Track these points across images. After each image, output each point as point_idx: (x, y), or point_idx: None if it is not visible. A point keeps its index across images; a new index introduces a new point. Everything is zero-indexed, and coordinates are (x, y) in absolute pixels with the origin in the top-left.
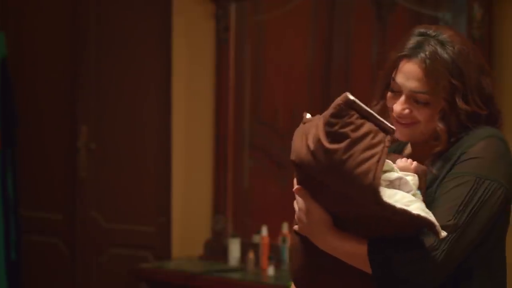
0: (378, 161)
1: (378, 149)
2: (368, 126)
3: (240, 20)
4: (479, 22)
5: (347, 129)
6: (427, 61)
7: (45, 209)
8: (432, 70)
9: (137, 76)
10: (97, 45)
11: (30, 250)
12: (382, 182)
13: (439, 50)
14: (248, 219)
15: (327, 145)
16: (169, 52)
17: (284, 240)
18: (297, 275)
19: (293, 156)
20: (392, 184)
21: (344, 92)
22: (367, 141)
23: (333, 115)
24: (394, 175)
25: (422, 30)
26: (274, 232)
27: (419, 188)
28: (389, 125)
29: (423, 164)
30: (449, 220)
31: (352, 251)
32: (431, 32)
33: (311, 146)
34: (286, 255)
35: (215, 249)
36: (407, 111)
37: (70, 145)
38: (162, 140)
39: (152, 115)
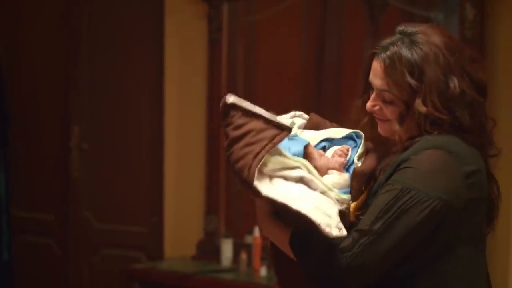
0: (254, 157)
1: (257, 145)
2: (251, 125)
3: (233, 20)
4: (471, 22)
5: (228, 128)
6: (387, 60)
7: (37, 209)
8: (390, 70)
9: (130, 76)
10: (89, 45)
11: (23, 250)
12: (289, 178)
13: (404, 50)
14: (241, 219)
15: (224, 142)
16: (161, 52)
17: None
18: (279, 278)
19: None
20: (302, 180)
21: (336, 92)
22: (246, 139)
23: (222, 116)
24: (296, 173)
25: (402, 28)
26: None
27: (351, 187)
28: (281, 123)
29: (379, 166)
30: (366, 225)
31: (282, 238)
32: (410, 30)
33: None
34: None
35: (208, 249)
36: (377, 107)
37: (62, 145)
38: (154, 140)
39: (145, 115)
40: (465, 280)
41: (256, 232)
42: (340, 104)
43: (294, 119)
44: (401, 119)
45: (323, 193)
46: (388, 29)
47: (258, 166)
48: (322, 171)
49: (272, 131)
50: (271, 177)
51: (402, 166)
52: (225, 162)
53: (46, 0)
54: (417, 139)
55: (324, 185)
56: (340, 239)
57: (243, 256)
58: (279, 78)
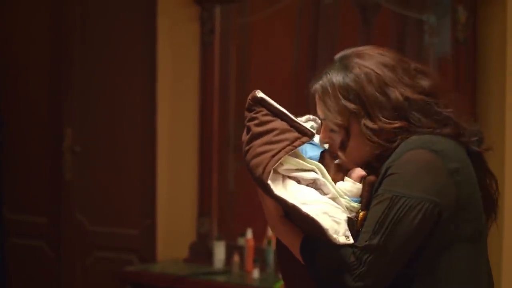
0: (272, 156)
1: (278, 145)
2: (276, 124)
3: (225, 23)
4: (463, 24)
5: (251, 123)
6: (319, 89)
7: (30, 211)
8: (324, 97)
9: (122, 78)
10: (82, 47)
11: (15, 252)
12: (302, 180)
13: (335, 76)
14: (233, 221)
15: (243, 136)
16: (154, 55)
17: (269, 243)
18: (283, 274)
19: None
20: (314, 184)
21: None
22: (268, 137)
23: (246, 109)
24: (310, 175)
25: (341, 54)
26: (259, 235)
27: (362, 196)
28: (307, 128)
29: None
30: (365, 241)
31: (293, 243)
32: (344, 55)
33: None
34: (271, 258)
35: (200, 251)
36: (327, 140)
37: (55, 148)
38: (147, 142)
39: (137, 117)
40: (465, 277)
41: (249, 234)
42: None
43: (308, 123)
44: (342, 144)
45: (334, 198)
46: (381, 31)
47: (274, 166)
48: (336, 179)
49: (294, 134)
50: (284, 178)
51: (388, 173)
52: (242, 155)
53: (38, 1)
54: (397, 143)
55: (336, 190)
56: (346, 249)
57: (236, 258)
58: (272, 80)
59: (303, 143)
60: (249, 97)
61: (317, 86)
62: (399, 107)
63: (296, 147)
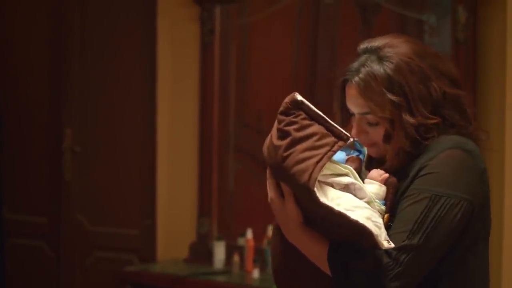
0: (317, 162)
1: (320, 151)
2: (315, 128)
3: (225, 23)
4: (463, 24)
5: (290, 128)
6: (361, 83)
7: (29, 212)
8: (367, 92)
9: (122, 78)
10: (81, 48)
11: (15, 253)
12: (335, 185)
13: (375, 68)
14: (233, 221)
15: (275, 141)
16: (153, 55)
17: (269, 243)
18: (278, 275)
19: (262, 149)
20: (347, 188)
21: (328, 96)
22: (310, 142)
23: (281, 113)
24: (346, 179)
25: (365, 46)
26: (259, 235)
27: (386, 199)
28: (343, 132)
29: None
30: (404, 241)
31: (315, 250)
32: (373, 46)
33: (267, 141)
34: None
35: (200, 251)
36: (362, 134)
37: (54, 148)
38: (146, 142)
39: (137, 117)
40: (486, 273)
41: (249, 234)
42: (333, 107)
43: None
44: (388, 138)
45: (369, 203)
46: (381, 32)
47: (320, 173)
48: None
49: (332, 138)
50: (320, 184)
51: (422, 172)
52: (275, 160)
53: (38, 1)
54: (427, 143)
55: (375, 196)
56: (391, 259)
57: (236, 258)
58: (272, 80)
59: (341, 147)
60: (287, 100)
61: (356, 79)
62: (437, 102)
63: (335, 152)
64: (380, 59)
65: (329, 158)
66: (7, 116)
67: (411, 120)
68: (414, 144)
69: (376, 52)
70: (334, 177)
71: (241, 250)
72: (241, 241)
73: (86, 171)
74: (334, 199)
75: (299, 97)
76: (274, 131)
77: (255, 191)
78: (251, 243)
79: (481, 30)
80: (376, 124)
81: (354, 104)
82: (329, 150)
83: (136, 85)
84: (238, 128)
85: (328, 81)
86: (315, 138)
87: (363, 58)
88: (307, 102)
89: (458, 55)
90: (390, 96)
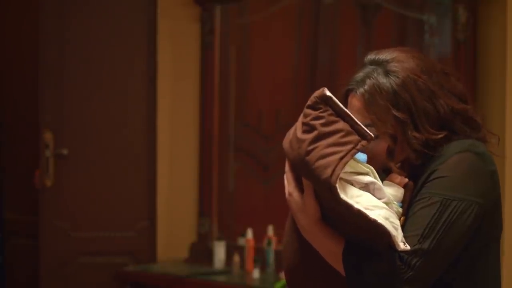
0: (341, 158)
1: (344, 148)
2: (341, 125)
3: (225, 23)
4: (463, 25)
5: (316, 122)
6: (366, 95)
7: (29, 212)
8: (371, 105)
9: (122, 78)
10: (80, 47)
11: (15, 253)
12: (355, 183)
13: (381, 81)
14: (233, 221)
15: (299, 134)
16: (154, 55)
17: (269, 243)
18: (291, 275)
19: (283, 143)
20: (366, 187)
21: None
22: (335, 138)
23: (308, 106)
24: (367, 178)
25: (373, 57)
26: (259, 235)
27: (403, 202)
28: (367, 131)
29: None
30: (415, 245)
31: (330, 248)
32: (381, 59)
33: (291, 134)
34: (271, 258)
35: (200, 252)
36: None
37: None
38: (147, 143)
39: (137, 117)
40: (498, 275)
41: (249, 234)
42: None
43: None
44: (391, 153)
45: (387, 203)
46: (381, 32)
47: (343, 169)
48: None
49: (355, 136)
50: (340, 181)
51: (433, 176)
52: (298, 153)
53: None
54: (438, 152)
55: (393, 198)
56: (403, 263)
57: (236, 258)
58: (272, 81)
59: (363, 146)
60: (316, 94)
61: (361, 90)
62: (445, 118)
63: (358, 150)
64: (387, 73)
65: (353, 156)
66: (6, 117)
67: (417, 135)
68: (422, 156)
69: (383, 65)
70: (355, 175)
71: (241, 250)
72: (241, 241)
73: (78, 175)
74: (353, 197)
75: (328, 93)
76: (298, 125)
77: (255, 191)
78: (251, 243)
79: (481, 30)
80: (376, 137)
81: (357, 115)
82: (353, 148)
83: (137, 84)
84: (238, 127)
85: (328, 80)
86: (340, 134)
87: (369, 69)
88: (334, 98)
89: (458, 55)
90: (394, 112)
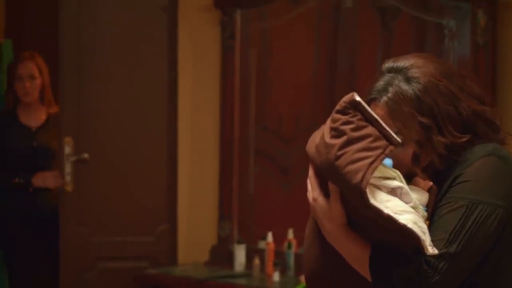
0: (371, 164)
1: (374, 153)
2: (370, 130)
3: (245, 27)
4: (483, 29)
5: (346, 127)
6: (390, 103)
7: None
8: (396, 113)
9: (143, 83)
10: (101, 52)
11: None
12: (382, 188)
13: (404, 88)
14: (254, 225)
15: (327, 139)
16: (175, 59)
17: (289, 246)
18: (313, 281)
19: (306, 147)
20: (393, 192)
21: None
22: (364, 143)
23: (337, 111)
24: (394, 183)
25: (390, 65)
26: (280, 238)
27: (428, 206)
28: (395, 136)
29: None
30: (441, 249)
31: (356, 253)
32: (399, 66)
33: (317, 139)
34: (291, 261)
35: (221, 255)
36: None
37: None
38: (168, 147)
39: (158, 122)
40: None
41: (269, 237)
42: None
43: None
44: (417, 159)
45: (414, 208)
46: (400, 36)
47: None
48: None
49: (384, 141)
50: (369, 185)
51: (458, 181)
52: (326, 158)
53: (53, 3)
54: (462, 156)
55: (419, 202)
56: (430, 267)
57: (256, 261)
58: (292, 85)
59: (391, 151)
60: (346, 99)
61: (385, 99)
62: (467, 121)
63: (386, 155)
64: (408, 80)
65: (382, 161)
66: None
67: (442, 139)
68: (445, 161)
69: (403, 72)
70: (383, 180)
71: (261, 253)
72: (261, 244)
73: (99, 179)
74: (382, 201)
75: (357, 98)
76: (326, 130)
77: (276, 194)
78: (272, 246)
79: (500, 34)
80: (402, 144)
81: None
82: (382, 153)
83: (158, 89)
84: (259, 131)
85: (348, 85)
86: (369, 139)
87: (388, 77)
88: (364, 103)
89: (477, 59)
90: (420, 117)
